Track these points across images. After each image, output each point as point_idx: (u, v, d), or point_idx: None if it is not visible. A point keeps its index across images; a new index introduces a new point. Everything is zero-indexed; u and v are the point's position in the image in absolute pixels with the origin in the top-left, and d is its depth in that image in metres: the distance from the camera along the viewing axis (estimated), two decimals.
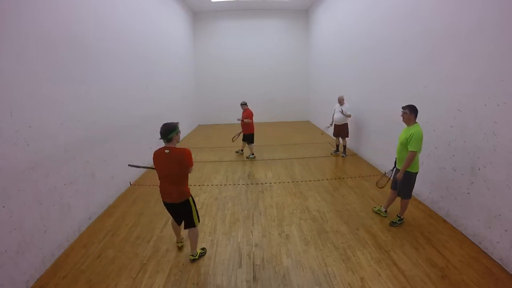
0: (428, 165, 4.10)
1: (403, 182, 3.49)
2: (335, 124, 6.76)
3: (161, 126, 2.69)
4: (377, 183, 4.17)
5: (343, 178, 5.44)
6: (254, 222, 3.90)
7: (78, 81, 3.81)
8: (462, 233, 3.42)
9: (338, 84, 8.36)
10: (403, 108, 3.44)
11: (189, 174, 2.93)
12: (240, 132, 7.07)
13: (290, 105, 12.67)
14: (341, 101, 6.63)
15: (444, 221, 3.73)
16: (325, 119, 9.88)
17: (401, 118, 3.53)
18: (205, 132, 10.79)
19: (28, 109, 2.90)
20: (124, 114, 5.21)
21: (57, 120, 3.37)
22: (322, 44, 10.18)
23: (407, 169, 3.41)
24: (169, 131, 2.68)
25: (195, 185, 5.26)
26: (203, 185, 5.27)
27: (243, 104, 6.89)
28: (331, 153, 7.11)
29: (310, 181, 5.34)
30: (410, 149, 3.29)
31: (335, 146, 7.18)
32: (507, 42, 2.76)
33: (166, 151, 2.67)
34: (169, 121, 2.75)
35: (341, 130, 6.71)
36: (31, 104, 2.95)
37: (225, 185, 5.29)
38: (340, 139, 6.91)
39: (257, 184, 5.27)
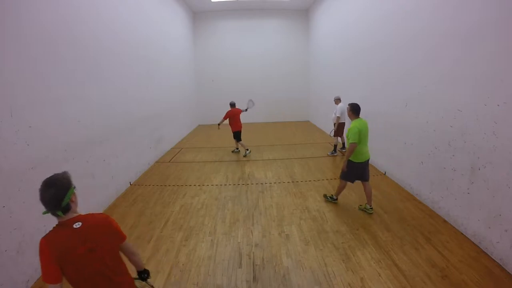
0: (428, 165, 4.10)
1: (345, 167, 4.02)
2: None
3: (41, 188, 1.41)
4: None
5: None
6: (254, 222, 3.90)
7: (78, 81, 3.81)
8: (462, 233, 3.42)
9: (338, 84, 8.36)
10: (348, 105, 4.00)
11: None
12: (224, 121, 7.29)
13: (290, 105, 12.67)
14: (335, 102, 7.01)
15: (444, 221, 3.73)
16: (325, 119, 9.89)
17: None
18: (205, 132, 10.79)
19: (28, 109, 2.90)
20: (124, 114, 5.21)
21: (57, 120, 3.37)
22: (322, 44, 10.18)
23: (349, 158, 3.90)
24: (62, 192, 1.42)
25: (195, 185, 5.27)
26: (203, 185, 5.27)
27: (230, 104, 7.35)
28: (328, 154, 7.14)
29: (310, 181, 5.34)
30: (349, 141, 3.79)
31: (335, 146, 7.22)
32: (507, 42, 2.76)
33: (76, 224, 1.43)
34: (57, 171, 1.52)
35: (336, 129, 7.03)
36: (31, 104, 2.95)
37: (225, 185, 5.29)
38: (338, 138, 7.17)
39: (257, 184, 5.27)
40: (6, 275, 2.51)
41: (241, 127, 7.24)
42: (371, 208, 4.03)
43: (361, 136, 3.76)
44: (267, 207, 4.32)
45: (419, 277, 2.73)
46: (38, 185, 1.44)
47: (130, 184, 5.37)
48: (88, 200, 3.94)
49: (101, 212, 4.25)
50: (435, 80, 3.90)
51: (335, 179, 5.39)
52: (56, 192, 1.41)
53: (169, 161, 6.98)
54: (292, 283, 2.73)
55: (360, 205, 4.17)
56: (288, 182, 5.32)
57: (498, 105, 2.88)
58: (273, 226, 3.78)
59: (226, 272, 2.91)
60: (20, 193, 2.72)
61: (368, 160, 4.01)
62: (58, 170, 1.64)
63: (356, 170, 3.96)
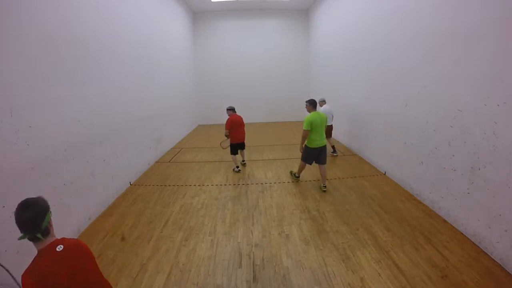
0: (428, 165, 4.10)
1: (301, 149, 4.92)
2: None
3: (17, 210, 1.43)
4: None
5: (343, 178, 5.44)
6: (254, 222, 3.90)
7: (78, 81, 3.81)
8: (462, 233, 3.42)
9: (338, 84, 8.37)
10: (306, 101, 4.79)
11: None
12: (227, 139, 5.98)
13: (290, 105, 12.66)
14: (320, 104, 6.69)
15: (444, 221, 3.73)
16: None
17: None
18: (205, 132, 10.79)
19: (28, 109, 2.90)
20: (124, 114, 5.21)
21: (57, 120, 3.37)
22: (322, 44, 10.18)
23: (306, 143, 4.72)
24: (40, 214, 1.40)
25: (195, 185, 5.27)
26: (203, 185, 5.27)
27: (229, 110, 5.96)
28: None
29: (310, 181, 5.34)
30: (303, 129, 4.59)
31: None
32: (507, 42, 2.76)
33: (59, 247, 1.41)
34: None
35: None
36: (31, 104, 2.95)
37: (225, 185, 5.29)
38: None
39: (257, 184, 5.27)
40: (6, 275, 2.51)
41: (244, 138, 6.05)
42: (325, 186, 4.82)
43: (313, 126, 4.51)
44: (267, 207, 4.32)
45: (419, 277, 2.73)
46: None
47: (130, 184, 5.37)
48: (88, 200, 3.94)
49: (102, 212, 4.26)
50: (435, 80, 3.90)
51: (335, 178, 5.39)
52: (34, 214, 1.36)
53: (169, 161, 6.98)
54: (292, 283, 2.73)
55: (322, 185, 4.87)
56: (288, 182, 5.32)
57: (498, 105, 2.88)
58: (273, 226, 3.78)
59: (226, 272, 2.91)
60: (20, 193, 2.72)
61: (322, 147, 4.69)
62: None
63: (311, 154, 4.74)
